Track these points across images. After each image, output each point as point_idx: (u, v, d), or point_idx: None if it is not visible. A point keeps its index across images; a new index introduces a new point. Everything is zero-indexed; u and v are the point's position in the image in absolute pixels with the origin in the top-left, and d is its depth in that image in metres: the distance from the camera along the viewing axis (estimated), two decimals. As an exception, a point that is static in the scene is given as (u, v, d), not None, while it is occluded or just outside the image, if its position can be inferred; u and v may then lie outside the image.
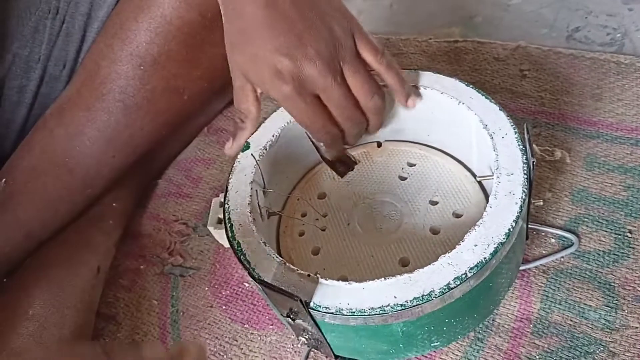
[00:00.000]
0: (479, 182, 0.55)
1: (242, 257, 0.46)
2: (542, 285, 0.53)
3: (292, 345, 0.55)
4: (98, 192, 0.64)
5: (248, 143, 0.55)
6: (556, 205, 0.58)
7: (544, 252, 0.55)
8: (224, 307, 0.60)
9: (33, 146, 0.62)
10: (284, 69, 0.44)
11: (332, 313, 0.41)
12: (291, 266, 0.44)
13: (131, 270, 0.66)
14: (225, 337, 0.58)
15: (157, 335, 0.60)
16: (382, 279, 0.42)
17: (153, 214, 0.71)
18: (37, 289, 0.56)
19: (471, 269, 0.41)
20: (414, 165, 0.59)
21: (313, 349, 0.54)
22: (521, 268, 0.54)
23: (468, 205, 0.54)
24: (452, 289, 0.41)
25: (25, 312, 0.54)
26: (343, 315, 0.41)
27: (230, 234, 0.48)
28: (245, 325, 0.58)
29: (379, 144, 0.61)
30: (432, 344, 0.46)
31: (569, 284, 0.53)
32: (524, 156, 0.46)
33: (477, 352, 0.51)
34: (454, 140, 0.57)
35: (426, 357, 0.51)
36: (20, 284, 0.57)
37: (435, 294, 0.40)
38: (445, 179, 0.57)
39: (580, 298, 0.52)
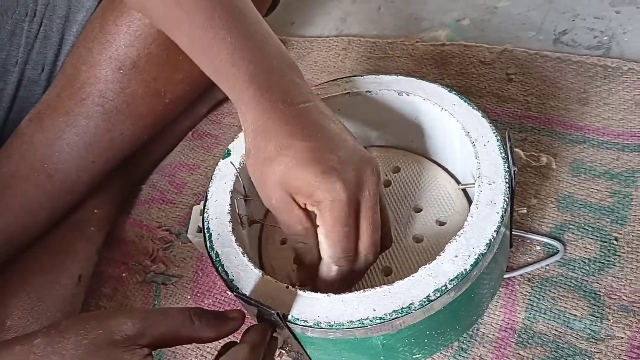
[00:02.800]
0: (463, 190, 0.54)
1: (219, 267, 0.45)
2: (527, 294, 0.52)
3: (275, 356, 0.54)
4: (79, 198, 0.64)
5: (229, 150, 0.54)
6: (541, 212, 0.57)
7: (529, 259, 0.55)
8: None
9: (12, 152, 0.61)
10: (338, 167, 0.41)
11: (310, 326, 0.40)
12: (269, 278, 0.43)
13: (113, 277, 0.66)
14: (207, 346, 0.57)
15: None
16: (361, 291, 0.41)
17: (136, 221, 0.70)
18: (15, 299, 0.55)
19: (451, 280, 0.40)
20: (399, 171, 0.58)
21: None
22: (506, 276, 0.53)
23: (452, 213, 0.53)
24: (432, 301, 0.40)
25: (2, 323, 0.53)
26: (321, 328, 0.40)
27: (208, 244, 0.47)
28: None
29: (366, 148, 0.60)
30: (414, 356, 0.45)
31: (554, 293, 0.52)
32: (506, 164, 0.45)
33: (461, 362, 0.50)
34: (438, 146, 0.56)
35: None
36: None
37: (415, 307, 0.40)
38: (429, 186, 0.56)
39: (565, 307, 0.51)
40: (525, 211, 0.57)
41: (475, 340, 0.51)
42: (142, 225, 0.69)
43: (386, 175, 0.58)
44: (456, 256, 0.41)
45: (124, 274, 0.65)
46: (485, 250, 0.41)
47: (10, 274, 0.58)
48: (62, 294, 0.59)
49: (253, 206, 0.55)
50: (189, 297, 0.61)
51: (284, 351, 0.46)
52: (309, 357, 0.46)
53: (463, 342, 0.51)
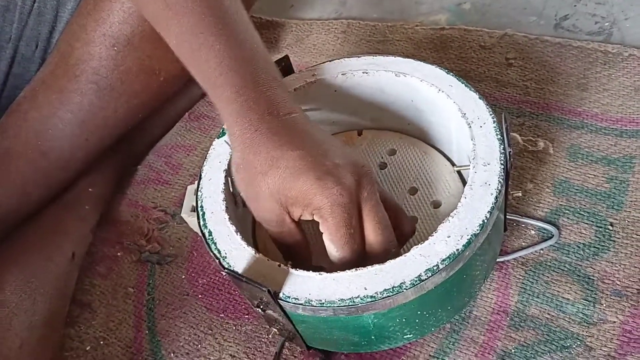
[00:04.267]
0: (458, 172, 0.54)
1: (212, 245, 0.45)
2: (521, 277, 0.52)
3: (267, 335, 0.54)
4: (73, 176, 0.63)
5: (224, 129, 0.53)
6: (537, 197, 0.57)
7: (523, 244, 0.54)
8: (200, 296, 0.59)
9: (6, 129, 0.61)
10: (333, 171, 0.41)
11: (301, 304, 0.40)
12: (261, 256, 0.43)
13: (108, 257, 0.65)
14: (201, 326, 0.57)
15: (132, 323, 0.59)
16: (353, 270, 0.41)
17: (131, 200, 0.70)
18: (8, 275, 0.55)
19: (443, 260, 0.40)
20: (394, 153, 0.58)
21: (288, 342, 0.53)
22: (499, 260, 0.53)
23: (447, 195, 0.53)
24: (423, 280, 0.40)
25: None
26: (312, 306, 0.40)
27: (201, 222, 0.47)
28: (220, 315, 0.57)
29: (360, 132, 0.60)
30: (405, 336, 0.45)
31: (548, 277, 0.52)
32: (502, 146, 0.45)
33: (453, 344, 0.50)
34: (434, 129, 0.56)
35: (400, 348, 0.51)
36: None
37: (406, 286, 0.40)
38: (424, 168, 0.56)
39: (558, 291, 0.51)
40: (520, 194, 0.57)
41: (468, 322, 0.51)
42: (138, 205, 0.69)
43: (382, 157, 0.58)
44: (449, 236, 0.41)
45: (118, 254, 0.65)
46: (478, 231, 0.41)
47: (3, 251, 0.58)
48: (55, 272, 0.59)
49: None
50: (183, 276, 0.61)
51: (275, 329, 0.46)
52: (301, 336, 0.46)
53: (455, 324, 0.51)
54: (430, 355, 0.50)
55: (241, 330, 0.56)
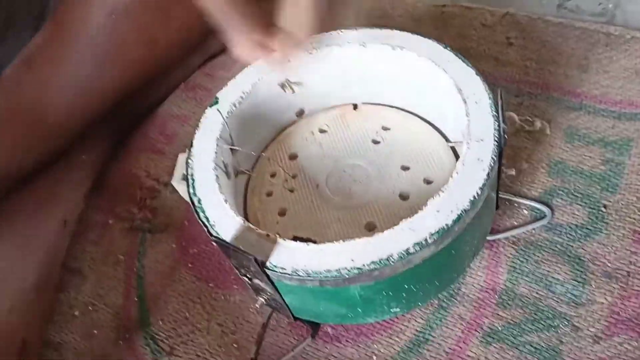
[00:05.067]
0: (452, 149, 0.54)
1: (201, 213, 0.45)
2: (511, 256, 0.52)
3: (255, 306, 0.54)
4: (67, 143, 0.63)
5: (217, 98, 0.53)
6: (532, 177, 0.57)
7: (515, 223, 0.54)
8: (190, 265, 0.59)
9: (0, 94, 0.60)
10: None
11: (288, 274, 0.40)
12: (250, 225, 0.43)
13: (99, 224, 0.65)
14: (190, 295, 0.57)
15: (121, 290, 0.59)
16: (341, 241, 0.40)
17: (125, 169, 0.69)
18: (0, 240, 0.55)
19: (432, 234, 0.40)
20: (389, 129, 0.57)
21: (274, 314, 0.53)
22: (490, 238, 0.53)
23: (440, 172, 0.53)
24: (411, 254, 0.39)
25: None
26: (299, 277, 0.40)
27: (191, 190, 0.47)
28: (210, 284, 0.57)
29: (355, 106, 0.60)
30: (392, 310, 0.45)
31: (538, 257, 0.52)
32: (496, 123, 0.45)
33: (440, 320, 0.50)
34: (430, 104, 0.55)
35: (387, 322, 0.51)
36: None
37: (394, 259, 0.39)
38: (418, 145, 0.55)
39: (548, 271, 0.51)
40: (514, 173, 0.56)
41: (456, 299, 0.51)
42: (131, 173, 0.69)
43: (376, 133, 0.57)
44: (438, 211, 0.41)
45: (110, 221, 0.65)
46: (469, 207, 0.41)
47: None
48: (46, 237, 0.59)
49: (240, 157, 0.54)
50: (174, 245, 0.61)
51: (262, 299, 0.46)
52: (288, 306, 0.46)
53: (443, 301, 0.51)
54: (416, 330, 0.50)
55: (230, 300, 0.56)
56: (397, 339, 0.50)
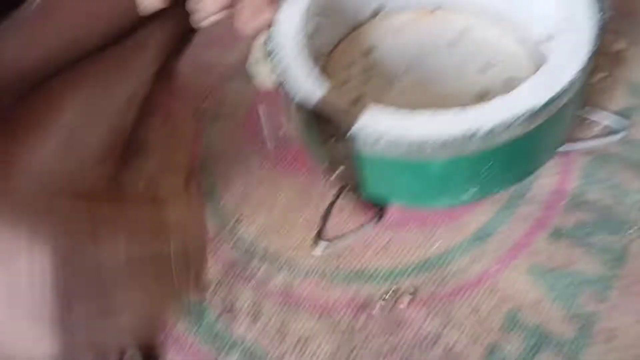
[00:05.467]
0: (538, 51, 0.53)
1: (287, 81, 0.45)
2: (584, 165, 0.52)
3: (322, 188, 0.55)
4: (138, 17, 0.63)
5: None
6: (610, 93, 0.56)
7: (591, 135, 0.54)
8: (256, 150, 0.60)
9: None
10: None
11: (375, 138, 0.41)
12: (336, 92, 0.43)
13: (164, 107, 0.66)
14: (256, 176, 0.58)
15: (185, 166, 0.60)
16: (430, 112, 0.41)
17: (193, 56, 0.70)
18: (69, 101, 0.56)
19: (522, 115, 0.40)
20: (468, 31, 0.57)
21: (339, 196, 0.54)
22: (565, 149, 0.53)
23: (522, 72, 0.52)
24: (498, 132, 0.40)
25: (56, 118, 0.54)
26: (387, 143, 0.41)
27: (276, 60, 0.47)
28: (276, 167, 0.58)
29: (432, 11, 0.59)
30: (465, 192, 0.46)
31: (612, 167, 0.52)
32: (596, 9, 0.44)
33: (507, 217, 0.51)
34: (514, 4, 0.54)
35: (453, 213, 0.51)
36: (52, 92, 0.57)
37: (481, 134, 0.39)
38: (499, 47, 0.55)
39: (620, 181, 0.51)
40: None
41: (524, 199, 0.51)
42: (199, 61, 0.69)
43: (454, 35, 0.57)
44: (531, 93, 0.41)
45: (175, 105, 0.66)
46: (561, 92, 0.41)
47: (66, 78, 0.58)
48: (115, 106, 0.59)
49: (317, 42, 0.54)
50: (239, 133, 0.62)
51: (337, 172, 0.47)
52: (359, 179, 0.46)
53: (511, 200, 0.51)
54: (482, 223, 0.51)
55: (296, 181, 0.57)
56: (462, 229, 0.51)
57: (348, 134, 0.41)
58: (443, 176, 0.43)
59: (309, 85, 0.44)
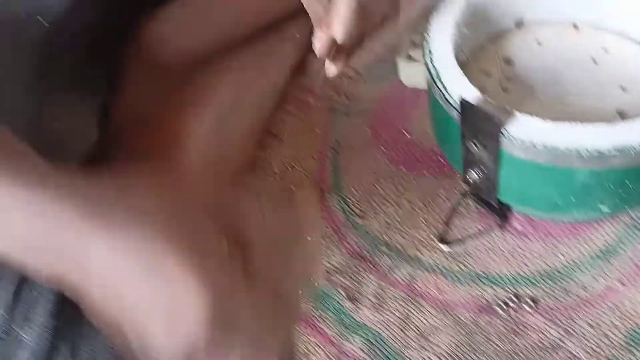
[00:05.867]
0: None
1: (438, 81, 0.48)
2: None
3: (446, 192, 0.57)
4: (288, 11, 0.67)
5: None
6: None
7: None
8: (382, 148, 0.63)
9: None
10: None
11: (524, 144, 0.42)
12: (488, 98, 0.45)
13: (298, 100, 0.70)
14: (381, 172, 0.61)
15: (317, 157, 0.64)
16: (581, 123, 0.42)
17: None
18: (225, 84, 0.60)
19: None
20: (609, 51, 0.57)
21: (464, 200, 0.55)
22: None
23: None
24: (650, 149, 0.40)
25: (213, 99, 0.58)
26: (535, 149, 0.42)
27: (429, 61, 0.49)
28: (400, 167, 0.61)
29: (575, 26, 0.60)
30: (602, 206, 0.46)
31: None
32: None
33: (634, 237, 0.51)
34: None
35: (576, 229, 0.53)
36: (209, 75, 0.61)
37: (636, 150, 0.40)
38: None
39: None
40: None
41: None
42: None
43: (596, 52, 0.57)
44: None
45: (309, 99, 0.70)
46: None
47: (221, 63, 0.63)
48: (260, 93, 0.64)
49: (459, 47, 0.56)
50: (368, 129, 0.65)
51: (474, 172, 0.48)
52: (494, 184, 0.48)
53: (637, 220, 0.52)
54: (606, 241, 0.52)
55: (420, 183, 0.59)
56: (585, 245, 0.52)
57: (495, 138, 0.43)
58: (583, 188, 0.44)
59: (459, 89, 0.46)
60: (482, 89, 0.55)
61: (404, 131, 0.64)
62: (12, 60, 0.49)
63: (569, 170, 0.43)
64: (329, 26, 0.47)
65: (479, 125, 0.44)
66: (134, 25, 0.62)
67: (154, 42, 0.62)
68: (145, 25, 0.64)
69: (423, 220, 0.56)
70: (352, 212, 0.58)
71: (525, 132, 0.43)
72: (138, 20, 0.64)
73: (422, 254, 0.54)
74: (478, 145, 0.45)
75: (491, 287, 0.51)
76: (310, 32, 0.70)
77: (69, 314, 0.43)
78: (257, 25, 0.67)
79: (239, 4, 0.65)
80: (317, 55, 0.49)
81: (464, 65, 0.57)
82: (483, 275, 0.52)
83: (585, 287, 0.50)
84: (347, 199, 0.59)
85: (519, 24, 0.60)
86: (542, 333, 0.48)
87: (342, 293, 0.53)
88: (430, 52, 0.50)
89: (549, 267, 0.52)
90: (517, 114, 0.44)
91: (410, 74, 0.56)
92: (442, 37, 0.51)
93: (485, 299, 0.51)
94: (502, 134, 0.43)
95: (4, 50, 0.48)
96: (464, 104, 0.44)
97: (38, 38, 0.50)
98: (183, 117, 0.53)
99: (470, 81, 0.55)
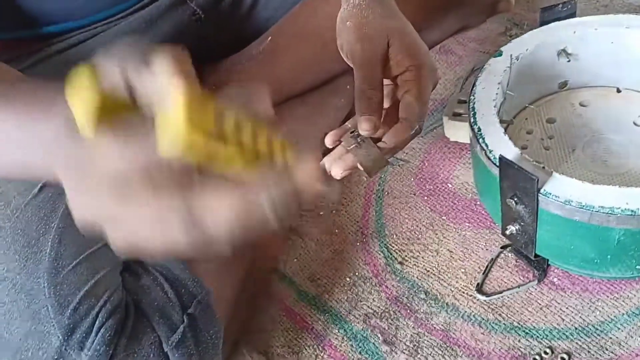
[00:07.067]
0: None
1: (480, 139, 0.50)
2: None
3: (485, 243, 0.60)
4: (340, 69, 0.71)
5: (501, 51, 0.58)
6: None
7: None
8: (425, 198, 0.65)
9: (298, 17, 0.70)
10: None
11: (560, 202, 0.45)
12: (527, 156, 0.48)
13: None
14: (423, 221, 0.63)
15: (361, 204, 0.67)
16: (617, 186, 0.44)
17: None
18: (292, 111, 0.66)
19: None
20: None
21: (503, 252, 0.57)
22: None
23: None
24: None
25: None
26: (571, 206, 0.44)
27: (472, 120, 0.52)
28: (442, 217, 0.63)
29: (618, 90, 0.62)
30: (634, 267, 0.48)
31: None
32: None
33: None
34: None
35: (614, 286, 0.54)
36: None
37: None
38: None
39: None
40: None
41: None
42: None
43: (637, 116, 0.59)
44: None
45: (356, 148, 0.73)
46: None
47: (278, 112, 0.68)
48: (313, 141, 0.68)
49: (503, 108, 0.59)
50: (412, 179, 0.68)
51: (513, 228, 0.51)
52: (535, 240, 0.50)
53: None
54: (641, 301, 0.53)
55: (460, 234, 0.61)
56: (622, 302, 0.53)
57: (532, 196, 0.45)
58: (617, 247, 0.46)
59: (500, 147, 0.49)
60: (524, 147, 0.59)
61: (447, 182, 0.66)
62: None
63: (604, 229, 0.45)
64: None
65: (518, 183, 0.46)
66: (200, 74, 0.67)
67: (216, 90, 0.67)
68: (208, 77, 0.70)
69: (462, 270, 0.58)
70: (393, 258, 0.61)
71: (561, 190, 0.45)
72: (203, 70, 0.70)
73: (459, 302, 0.56)
74: (517, 202, 0.48)
75: (526, 339, 0.53)
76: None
77: (123, 343, 0.47)
78: (314, 83, 0.71)
79: (300, 62, 0.70)
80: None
81: (507, 123, 0.60)
82: (519, 326, 0.53)
83: (621, 344, 0.51)
84: (389, 245, 0.62)
85: (563, 86, 0.63)
86: (576, 387, 0.50)
87: (379, 337, 0.55)
88: (474, 110, 0.53)
89: (585, 322, 0.53)
90: (555, 173, 0.46)
91: (455, 131, 0.59)
92: (486, 96, 0.54)
93: (520, 350, 0.52)
94: (539, 192, 0.45)
95: None
96: (504, 162, 0.46)
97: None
98: None
99: (513, 139, 0.58)
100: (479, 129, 0.51)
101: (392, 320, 0.56)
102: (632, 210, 0.43)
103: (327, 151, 0.51)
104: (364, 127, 0.46)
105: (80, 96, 0.28)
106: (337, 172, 0.48)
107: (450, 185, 0.66)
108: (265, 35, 0.71)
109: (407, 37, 0.50)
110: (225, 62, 0.72)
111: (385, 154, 0.47)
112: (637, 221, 0.43)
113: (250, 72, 0.68)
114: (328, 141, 0.50)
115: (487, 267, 0.57)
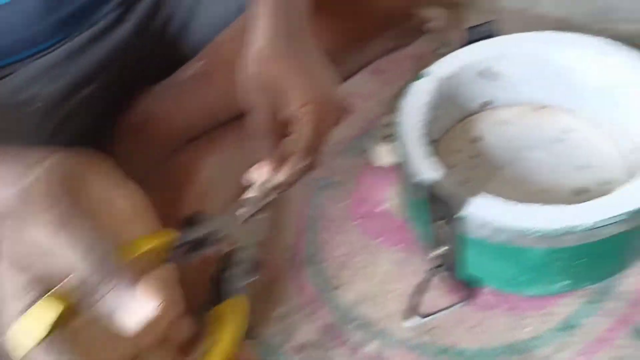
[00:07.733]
0: (631, 158, 0.56)
1: (406, 161, 0.51)
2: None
3: (420, 264, 0.59)
4: None
5: (425, 72, 0.59)
6: None
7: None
8: (359, 220, 0.65)
9: (231, 41, 0.69)
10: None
11: (480, 225, 0.45)
12: (450, 178, 0.48)
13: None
14: (357, 244, 0.63)
15: (294, 231, 0.66)
16: (538, 204, 0.45)
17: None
18: (207, 163, 0.64)
19: (621, 215, 0.43)
20: (571, 131, 0.61)
21: (433, 274, 0.57)
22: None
23: (617, 177, 0.55)
24: (597, 230, 0.43)
25: (195, 177, 0.63)
26: (490, 228, 0.45)
27: (399, 144, 0.52)
28: (376, 240, 0.63)
29: (542, 107, 0.64)
30: (557, 283, 0.48)
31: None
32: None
33: (593, 311, 0.53)
34: (613, 111, 0.58)
35: (540, 304, 0.54)
36: (194, 153, 0.64)
37: (581, 230, 0.43)
38: (596, 150, 0.59)
39: None
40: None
41: (610, 294, 0.53)
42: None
43: (558, 133, 0.61)
44: (630, 195, 0.44)
45: (290, 171, 0.72)
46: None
47: (207, 140, 0.66)
48: (242, 170, 0.66)
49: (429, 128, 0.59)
50: (345, 202, 0.67)
51: (438, 252, 0.51)
52: (458, 260, 0.50)
53: (596, 294, 0.53)
54: (568, 315, 0.53)
55: (394, 256, 0.61)
56: (550, 318, 0.53)
57: (457, 217, 0.45)
58: (539, 265, 0.46)
59: (425, 169, 0.49)
60: (451, 166, 0.59)
61: (380, 205, 0.66)
62: (17, 133, 0.56)
63: (525, 249, 0.45)
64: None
65: (437, 207, 0.46)
66: (131, 98, 0.66)
67: (145, 117, 0.66)
68: (139, 101, 0.68)
69: (395, 294, 0.58)
70: (327, 284, 0.60)
71: (480, 211, 0.45)
72: (134, 94, 0.68)
73: (391, 328, 0.56)
74: (439, 225, 0.48)
75: (457, 361, 0.53)
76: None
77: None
78: (243, 110, 0.70)
79: (232, 87, 0.68)
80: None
81: (434, 143, 0.60)
82: (449, 349, 0.53)
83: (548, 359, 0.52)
84: (323, 271, 0.61)
85: (487, 105, 0.64)
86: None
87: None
88: (400, 132, 0.53)
89: (514, 340, 0.53)
90: (474, 194, 0.47)
91: (382, 154, 0.59)
92: (412, 118, 0.55)
93: (452, 373, 0.52)
94: (459, 216, 0.45)
95: (10, 123, 0.56)
96: (423, 186, 0.46)
97: (38, 116, 0.58)
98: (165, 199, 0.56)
99: (441, 159, 0.59)
100: (405, 152, 0.52)
101: (324, 350, 0.56)
102: (548, 231, 0.43)
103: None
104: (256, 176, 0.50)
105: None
106: None
107: (383, 207, 0.66)
108: (197, 57, 0.70)
109: (305, 75, 0.50)
110: (157, 86, 0.70)
111: (276, 190, 0.49)
112: (555, 240, 0.44)
113: (181, 97, 0.66)
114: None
115: (418, 289, 0.57)
